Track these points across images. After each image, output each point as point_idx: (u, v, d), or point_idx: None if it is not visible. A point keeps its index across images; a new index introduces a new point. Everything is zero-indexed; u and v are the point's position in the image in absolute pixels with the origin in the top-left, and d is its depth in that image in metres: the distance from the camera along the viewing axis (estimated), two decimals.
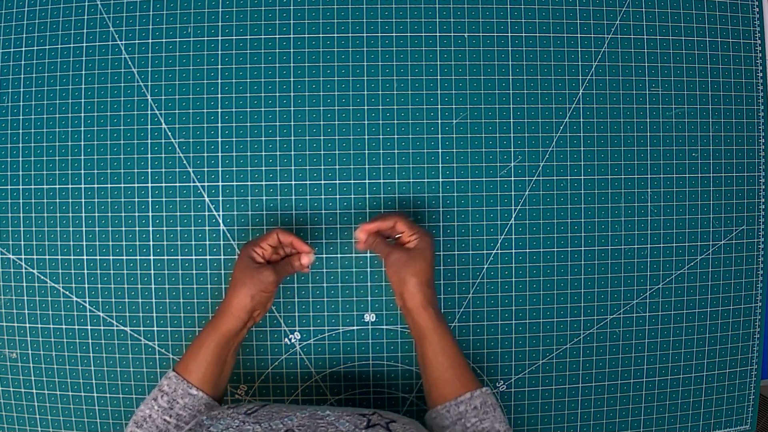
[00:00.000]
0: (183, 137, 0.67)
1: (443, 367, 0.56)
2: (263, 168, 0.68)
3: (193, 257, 0.67)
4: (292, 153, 0.68)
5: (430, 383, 0.57)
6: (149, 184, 0.67)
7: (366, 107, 0.68)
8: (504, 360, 0.70)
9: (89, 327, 0.68)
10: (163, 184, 0.67)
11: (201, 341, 0.57)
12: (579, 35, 0.70)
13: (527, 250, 0.69)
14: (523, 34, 0.69)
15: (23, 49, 0.68)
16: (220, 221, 0.68)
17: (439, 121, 0.68)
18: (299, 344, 0.69)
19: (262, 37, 0.68)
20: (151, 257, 0.67)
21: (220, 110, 0.67)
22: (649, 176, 0.70)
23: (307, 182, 0.68)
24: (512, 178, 0.69)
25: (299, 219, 0.68)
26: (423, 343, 0.57)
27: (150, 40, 0.67)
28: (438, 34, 0.68)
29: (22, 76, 0.68)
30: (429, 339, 0.57)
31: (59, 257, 0.68)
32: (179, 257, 0.67)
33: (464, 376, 0.56)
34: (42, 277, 0.68)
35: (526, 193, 0.69)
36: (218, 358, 0.56)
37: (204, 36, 0.67)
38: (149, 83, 0.67)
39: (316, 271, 0.68)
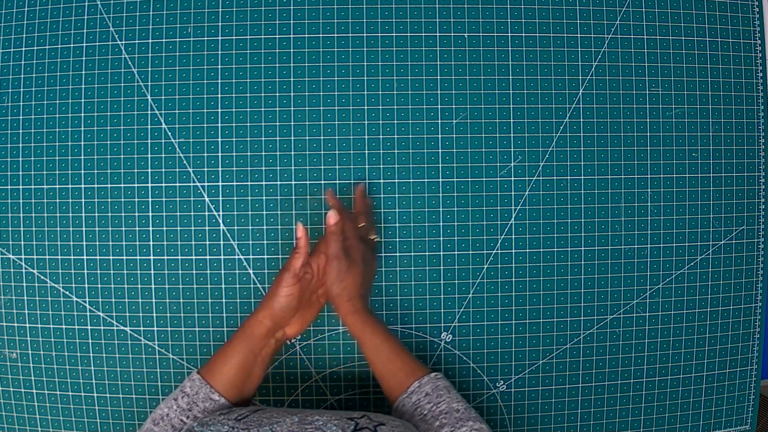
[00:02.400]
0: (183, 137, 0.67)
1: (384, 362, 0.57)
2: (263, 168, 0.68)
3: (193, 257, 0.67)
4: (292, 153, 0.68)
5: (379, 379, 0.58)
6: (149, 184, 0.67)
7: (366, 107, 0.68)
8: (504, 360, 0.70)
9: (89, 327, 0.68)
10: (163, 184, 0.67)
11: (228, 344, 0.57)
12: (579, 35, 0.70)
13: (527, 250, 0.69)
14: (523, 34, 0.69)
15: (23, 49, 0.68)
16: (220, 221, 0.68)
17: (439, 121, 0.68)
18: (299, 344, 0.69)
19: (262, 37, 0.68)
20: (151, 257, 0.67)
21: (220, 110, 0.67)
22: (649, 176, 0.70)
23: (307, 182, 0.68)
24: (512, 178, 0.69)
25: (299, 219, 0.68)
26: (359, 344, 0.59)
27: (150, 40, 0.67)
28: (438, 34, 0.68)
29: (22, 76, 0.68)
30: (362, 340, 0.58)
31: (59, 257, 0.67)
32: (179, 257, 0.67)
33: (407, 365, 0.57)
34: (42, 277, 0.68)
35: (526, 193, 0.69)
36: (244, 362, 0.56)
37: (204, 36, 0.67)
38: (149, 83, 0.67)
39: None
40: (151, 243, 0.67)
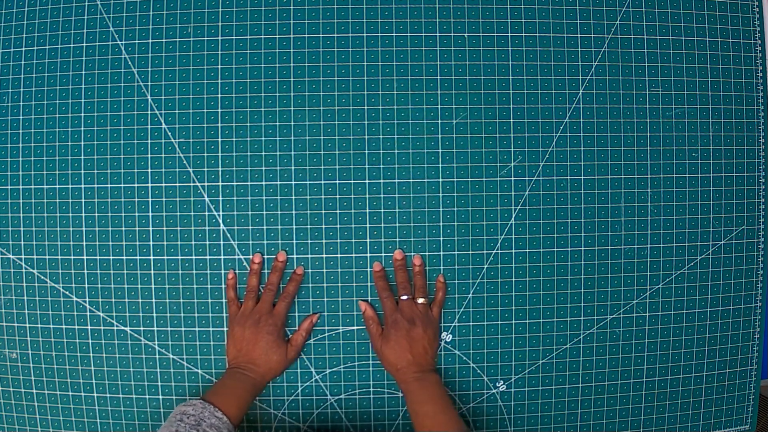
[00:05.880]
0: (183, 137, 0.67)
1: (431, 414, 0.59)
2: (263, 168, 0.68)
3: (193, 257, 0.67)
4: (292, 153, 0.68)
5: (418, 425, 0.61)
6: (149, 184, 0.67)
7: (366, 107, 0.68)
8: (504, 360, 0.70)
9: (89, 327, 0.68)
10: (163, 184, 0.67)
11: (232, 387, 0.61)
12: (579, 35, 0.70)
13: (527, 250, 0.69)
14: (523, 34, 0.69)
15: (23, 49, 0.68)
16: (220, 221, 0.68)
17: (439, 121, 0.68)
18: None
19: (262, 37, 0.68)
20: (151, 257, 0.67)
21: (220, 110, 0.67)
22: (649, 176, 0.70)
23: (307, 182, 0.68)
24: (512, 178, 0.69)
25: (299, 219, 0.68)
26: (408, 397, 0.62)
27: (150, 40, 0.67)
28: (438, 34, 0.68)
29: (22, 76, 0.68)
30: (416, 407, 0.61)
31: (59, 257, 0.67)
32: (179, 257, 0.67)
33: (449, 423, 0.58)
34: (42, 277, 0.68)
35: (526, 193, 0.69)
36: (247, 401, 0.61)
37: (204, 36, 0.67)
38: (149, 83, 0.67)
39: (316, 271, 0.68)
40: (151, 243, 0.67)
